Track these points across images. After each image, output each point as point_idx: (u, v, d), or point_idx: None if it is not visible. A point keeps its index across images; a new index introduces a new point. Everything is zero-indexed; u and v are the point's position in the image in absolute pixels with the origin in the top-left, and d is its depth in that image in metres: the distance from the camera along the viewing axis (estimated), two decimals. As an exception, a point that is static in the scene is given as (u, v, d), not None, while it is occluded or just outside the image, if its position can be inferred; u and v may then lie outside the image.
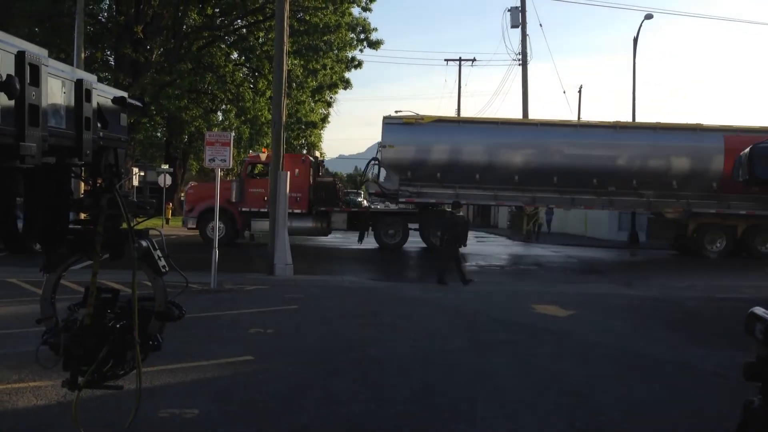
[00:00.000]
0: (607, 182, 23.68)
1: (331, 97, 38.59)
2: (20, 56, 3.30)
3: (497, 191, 24.34)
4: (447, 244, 15.59)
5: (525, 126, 25.61)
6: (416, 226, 24.58)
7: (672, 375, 7.50)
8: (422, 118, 24.03)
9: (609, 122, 25.09)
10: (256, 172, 24.27)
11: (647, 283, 15.65)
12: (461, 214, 16.53)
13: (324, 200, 24.21)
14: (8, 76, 3.07)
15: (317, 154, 27.97)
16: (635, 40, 32.97)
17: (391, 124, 23.82)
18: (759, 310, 3.32)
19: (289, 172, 16.28)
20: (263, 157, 23.72)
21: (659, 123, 24.88)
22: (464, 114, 53.85)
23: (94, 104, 4.11)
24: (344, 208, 24.62)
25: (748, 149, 6.86)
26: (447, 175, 23.45)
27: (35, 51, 3.44)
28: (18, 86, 3.11)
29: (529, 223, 34.44)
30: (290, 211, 17.82)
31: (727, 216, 23.96)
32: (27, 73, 3.29)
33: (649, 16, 32.01)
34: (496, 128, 24.39)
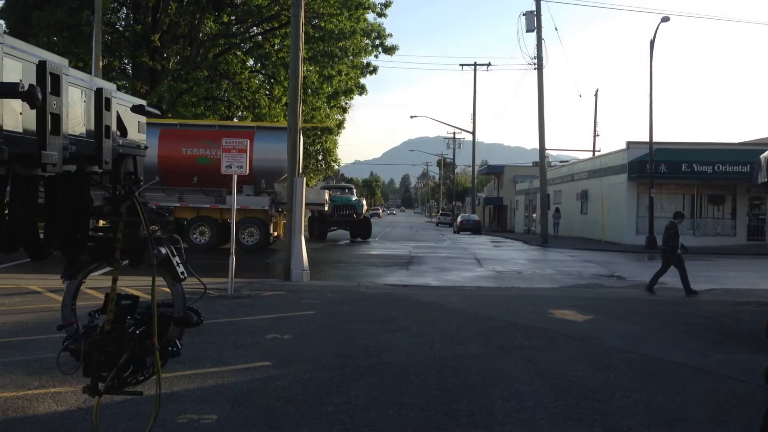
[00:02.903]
0: None
1: (346, 103, 38.68)
2: (41, 66, 3.34)
3: None
4: (671, 254, 15.03)
5: None
6: None
7: (691, 380, 7.42)
8: None
9: None
10: None
11: (665, 287, 15.50)
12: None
13: None
14: (30, 85, 3.11)
15: None
16: (651, 43, 32.78)
17: None
18: (780, 315, 3.29)
19: (305, 178, 16.34)
20: None
21: None
22: (478, 118, 53.76)
23: (114, 112, 4.16)
24: None
25: (767, 152, 6.77)
26: None
27: (56, 61, 3.49)
28: (40, 96, 3.15)
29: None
30: None
31: (181, 209, 24.83)
32: (48, 82, 3.34)
33: (665, 19, 31.82)
34: None
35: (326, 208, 32.49)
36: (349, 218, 34.99)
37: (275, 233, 26.14)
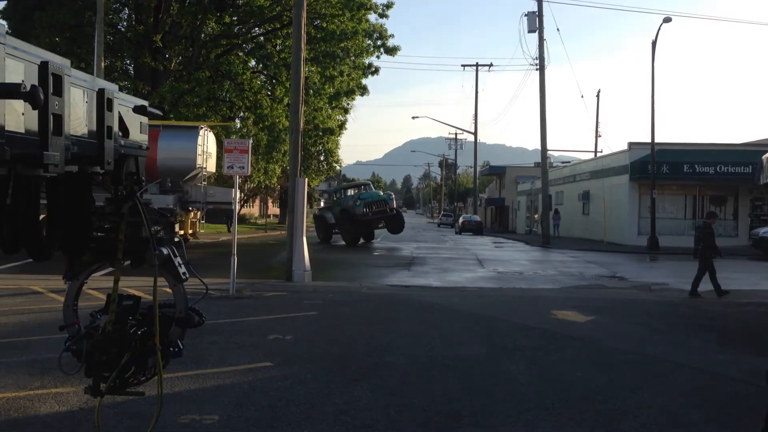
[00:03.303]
0: None
1: (348, 104, 38.66)
2: (43, 66, 3.34)
3: None
4: (702, 254, 14.83)
5: None
6: None
7: (693, 381, 7.41)
8: None
9: None
10: None
11: (666, 287, 15.49)
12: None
13: None
14: (32, 86, 3.11)
15: None
16: (653, 44, 32.75)
17: None
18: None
19: (306, 179, 16.34)
20: None
21: None
22: (480, 119, 53.80)
23: (116, 113, 4.16)
24: None
25: (769, 153, 6.76)
26: None
27: (58, 61, 3.49)
28: (42, 96, 3.15)
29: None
30: None
31: None
32: (50, 83, 3.34)
33: (667, 20, 31.79)
34: None
35: (357, 208, 31.71)
36: (384, 214, 33.32)
37: (182, 231, 25.69)
